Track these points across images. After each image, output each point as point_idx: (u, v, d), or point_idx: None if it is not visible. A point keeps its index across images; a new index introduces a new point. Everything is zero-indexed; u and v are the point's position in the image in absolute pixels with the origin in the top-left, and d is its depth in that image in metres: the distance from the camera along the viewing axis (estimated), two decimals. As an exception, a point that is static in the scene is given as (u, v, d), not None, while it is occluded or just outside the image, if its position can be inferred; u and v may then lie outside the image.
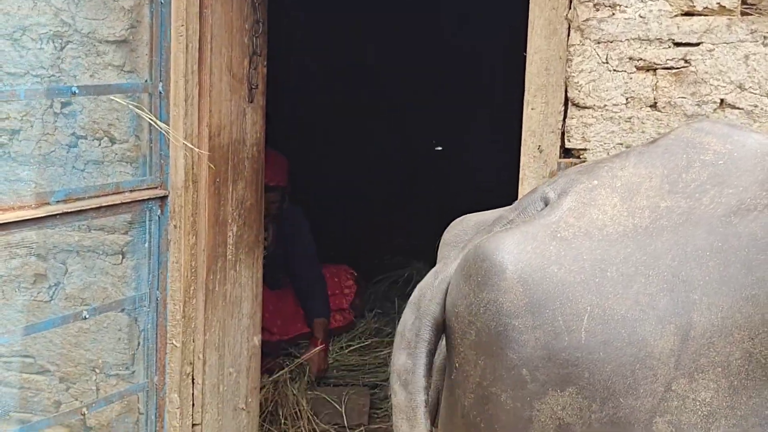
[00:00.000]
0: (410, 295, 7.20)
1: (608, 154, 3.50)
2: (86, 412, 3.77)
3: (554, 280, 1.95)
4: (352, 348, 6.39)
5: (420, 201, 7.64)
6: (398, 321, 7.08)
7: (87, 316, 3.68)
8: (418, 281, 7.25)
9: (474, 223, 2.28)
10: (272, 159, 5.59)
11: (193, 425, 4.07)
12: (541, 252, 1.98)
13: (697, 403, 1.86)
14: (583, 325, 1.91)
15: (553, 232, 2.01)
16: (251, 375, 4.46)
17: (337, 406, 5.52)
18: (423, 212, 7.43)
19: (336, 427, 5.44)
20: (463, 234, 2.28)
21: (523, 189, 3.58)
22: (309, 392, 5.65)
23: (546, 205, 2.11)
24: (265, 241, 5.73)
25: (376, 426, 5.53)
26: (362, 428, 5.47)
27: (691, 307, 1.86)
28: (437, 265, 2.29)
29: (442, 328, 2.18)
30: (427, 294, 2.24)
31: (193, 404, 4.05)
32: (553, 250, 1.98)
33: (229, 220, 4.19)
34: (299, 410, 5.44)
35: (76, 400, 3.84)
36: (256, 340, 4.46)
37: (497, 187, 4.35)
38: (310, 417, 5.44)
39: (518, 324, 1.96)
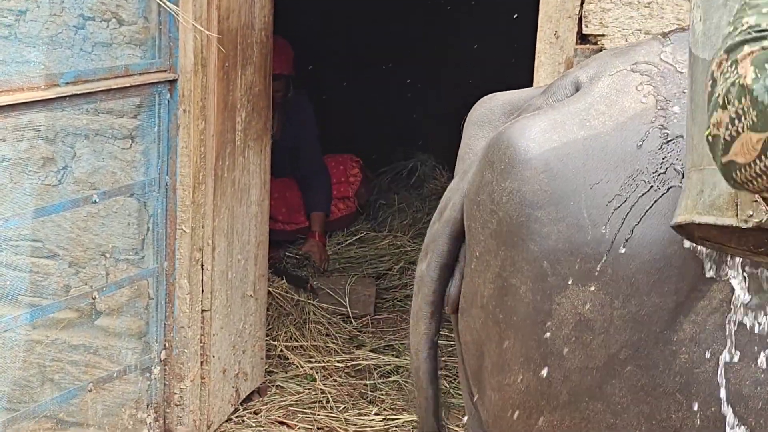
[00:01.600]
0: (414, 186, 7.21)
1: (626, 41, 3.44)
2: (96, 297, 3.77)
3: (581, 171, 1.89)
4: (354, 239, 6.39)
5: (428, 91, 7.55)
6: (401, 212, 7.08)
7: (96, 200, 3.65)
8: (423, 172, 7.24)
9: (502, 103, 2.20)
10: (277, 47, 5.54)
11: (203, 311, 4.07)
12: (568, 141, 1.91)
13: (725, 304, 1.82)
14: (609, 220, 1.86)
15: (582, 120, 1.93)
16: (259, 262, 4.46)
17: (341, 300, 5.54)
18: (430, 103, 7.35)
19: (342, 317, 5.46)
20: (489, 113, 2.20)
21: (538, 77, 3.52)
22: (314, 282, 5.67)
23: (577, 90, 2.04)
24: (271, 129, 5.72)
25: (382, 316, 5.56)
26: (368, 318, 5.49)
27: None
28: (460, 150, 2.23)
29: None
30: (453, 198, 2.17)
31: (202, 290, 4.04)
32: (581, 139, 1.91)
33: (238, 106, 4.14)
34: (304, 302, 5.46)
35: (86, 284, 3.83)
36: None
37: (512, 76, 4.29)
38: (316, 308, 5.45)
39: (541, 215, 1.90)
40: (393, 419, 4.53)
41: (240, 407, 4.49)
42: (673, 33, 2.09)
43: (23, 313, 3.61)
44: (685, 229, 1.74)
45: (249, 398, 4.56)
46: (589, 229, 1.87)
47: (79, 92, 3.46)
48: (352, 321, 5.45)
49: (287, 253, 5.90)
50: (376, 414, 4.58)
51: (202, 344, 4.10)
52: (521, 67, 4.11)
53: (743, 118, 1.40)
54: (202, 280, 4.04)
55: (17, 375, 3.69)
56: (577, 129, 1.92)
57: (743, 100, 1.40)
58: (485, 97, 2.27)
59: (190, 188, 3.89)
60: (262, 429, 4.41)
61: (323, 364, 4.98)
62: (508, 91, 2.25)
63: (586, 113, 1.92)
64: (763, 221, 1.61)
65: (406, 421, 4.51)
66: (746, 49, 1.43)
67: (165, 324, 3.99)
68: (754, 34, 1.43)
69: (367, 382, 4.86)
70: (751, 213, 1.62)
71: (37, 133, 3.71)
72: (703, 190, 1.67)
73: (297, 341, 5.16)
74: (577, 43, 3.48)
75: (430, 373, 2.25)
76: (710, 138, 1.47)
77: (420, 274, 2.20)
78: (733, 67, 1.44)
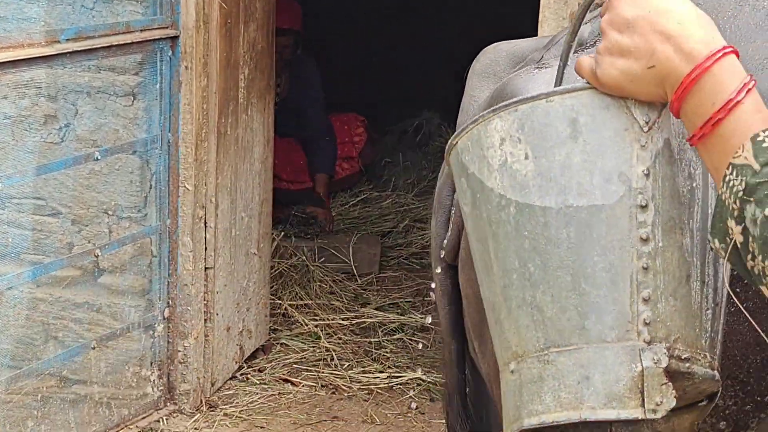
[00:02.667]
0: (420, 144, 7.18)
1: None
2: (99, 254, 3.76)
3: None
4: (359, 199, 6.37)
5: (431, 47, 7.50)
6: (406, 171, 7.05)
7: (99, 158, 3.63)
8: (429, 130, 7.21)
9: (506, 53, 2.16)
10: (286, 2, 5.55)
11: (206, 269, 4.06)
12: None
13: None
14: None
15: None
16: (263, 220, 4.45)
17: (346, 259, 5.52)
18: (434, 59, 7.30)
19: (347, 275, 5.45)
20: (493, 64, 2.16)
21: (543, 31, 3.49)
22: (319, 240, 5.66)
23: (580, 46, 2.00)
24: (278, 88, 5.71)
25: (387, 274, 5.55)
26: (372, 276, 5.48)
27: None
28: (463, 102, 2.20)
29: None
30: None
31: (205, 248, 4.03)
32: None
33: (241, 63, 4.11)
34: (308, 261, 5.45)
35: (89, 242, 3.82)
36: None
37: (515, 31, 4.25)
38: (321, 267, 5.45)
39: None
40: (397, 377, 4.53)
41: (244, 365, 4.49)
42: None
43: (26, 270, 3.61)
44: None
45: (253, 356, 4.56)
46: None
47: (80, 49, 3.44)
48: (357, 279, 5.45)
49: (294, 213, 5.90)
50: (380, 372, 4.58)
51: (205, 302, 4.09)
52: (524, 21, 4.07)
53: None
54: (206, 237, 4.03)
55: (21, 333, 3.70)
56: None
57: None
58: (488, 47, 2.23)
59: (193, 145, 3.88)
60: (266, 387, 4.41)
61: (328, 322, 4.97)
62: (511, 41, 2.21)
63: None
64: (673, 407, 1.35)
65: (411, 379, 4.51)
66: None
67: (168, 281, 3.98)
68: None
69: (372, 339, 4.85)
70: (660, 400, 1.36)
71: (39, 91, 3.70)
72: (589, 377, 1.38)
73: (302, 299, 5.16)
74: (582, -2, 3.45)
75: (452, 326, 2.22)
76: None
77: (432, 230, 2.18)
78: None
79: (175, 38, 3.76)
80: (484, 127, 1.43)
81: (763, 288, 1.24)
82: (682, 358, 1.37)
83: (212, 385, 4.23)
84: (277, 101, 5.64)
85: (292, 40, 5.81)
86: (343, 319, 5.02)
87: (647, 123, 1.37)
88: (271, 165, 4.48)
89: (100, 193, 3.84)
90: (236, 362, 4.41)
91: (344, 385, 4.45)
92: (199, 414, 4.12)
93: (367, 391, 4.43)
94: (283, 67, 5.74)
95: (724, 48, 1.31)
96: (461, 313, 2.15)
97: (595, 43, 1.92)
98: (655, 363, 1.36)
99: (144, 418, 4.02)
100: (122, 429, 3.94)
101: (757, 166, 1.22)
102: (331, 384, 4.47)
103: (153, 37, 3.70)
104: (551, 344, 1.40)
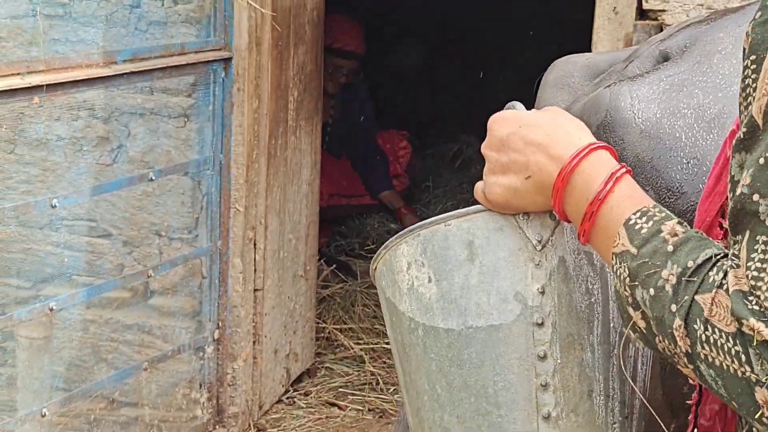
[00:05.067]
0: (461, 168, 7.12)
1: (687, 15, 3.40)
2: (151, 275, 3.76)
3: (682, 137, 1.86)
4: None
5: (473, 69, 7.48)
6: (446, 194, 6.97)
7: (153, 178, 3.64)
8: (468, 155, 7.15)
9: (582, 65, 2.14)
10: (349, 25, 5.62)
11: (255, 290, 4.06)
12: (668, 107, 1.88)
13: None
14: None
15: (679, 85, 1.89)
16: (310, 243, 4.45)
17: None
18: (475, 82, 7.28)
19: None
20: (567, 75, 2.15)
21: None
22: (358, 267, 5.66)
23: (665, 60, 1.99)
24: (332, 110, 5.73)
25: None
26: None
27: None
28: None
29: None
30: None
31: (255, 269, 4.03)
32: (683, 105, 1.88)
33: (291, 85, 4.12)
34: (351, 284, 5.45)
35: (140, 263, 3.82)
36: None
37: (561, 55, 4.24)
38: (363, 292, 5.44)
39: (641, 180, 1.87)
40: (443, 401, 4.50)
41: (290, 388, 4.48)
42: (750, 5, 2.04)
43: (79, 291, 3.61)
44: None
45: (299, 379, 4.55)
46: (690, 196, 1.83)
47: (136, 70, 3.46)
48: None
49: (341, 231, 5.94)
50: (426, 395, 4.55)
51: (254, 324, 4.09)
52: (576, 44, 4.06)
53: None
54: (255, 259, 4.03)
55: (72, 355, 3.69)
56: (676, 94, 1.87)
57: None
58: (561, 59, 2.21)
59: (244, 167, 3.88)
60: (313, 410, 4.40)
61: (372, 346, 4.96)
62: (584, 54, 2.19)
63: (685, 80, 1.88)
64: None
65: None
66: (705, 297, 1.17)
67: (218, 303, 3.98)
68: (690, 279, 1.20)
69: (416, 363, 4.83)
70: None
71: (92, 112, 3.70)
72: None
73: (345, 323, 5.14)
74: (636, 19, 3.45)
75: None
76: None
77: None
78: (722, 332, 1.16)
79: (228, 60, 3.77)
80: (394, 252, 1.48)
81: (679, 367, 1.24)
82: None
83: (260, 408, 4.22)
84: (330, 122, 5.68)
85: (357, 64, 5.82)
86: (387, 343, 5.00)
87: (540, 242, 1.42)
88: (318, 187, 4.48)
89: (152, 215, 3.84)
90: (283, 385, 4.39)
91: (391, 410, 4.43)
92: (247, 437, 4.11)
93: (413, 415, 4.40)
94: (337, 89, 5.77)
95: (590, 145, 1.36)
96: None
97: (682, 54, 1.92)
98: None
99: (193, 440, 4.01)
100: (171, 451, 3.93)
101: (634, 250, 1.25)
102: (378, 408, 4.45)
103: (206, 59, 3.71)
104: None
